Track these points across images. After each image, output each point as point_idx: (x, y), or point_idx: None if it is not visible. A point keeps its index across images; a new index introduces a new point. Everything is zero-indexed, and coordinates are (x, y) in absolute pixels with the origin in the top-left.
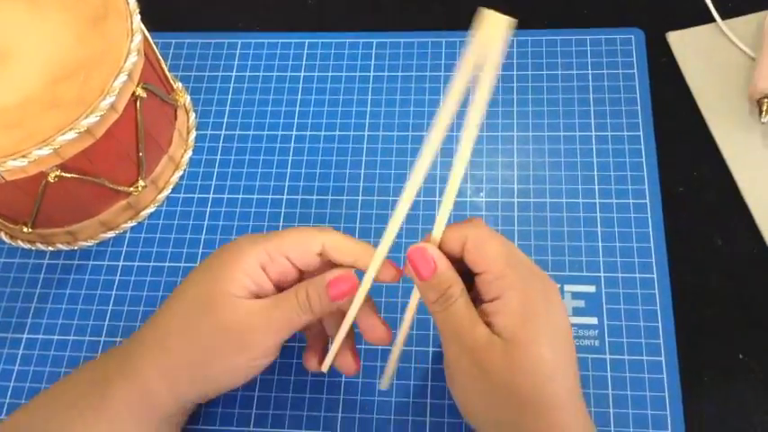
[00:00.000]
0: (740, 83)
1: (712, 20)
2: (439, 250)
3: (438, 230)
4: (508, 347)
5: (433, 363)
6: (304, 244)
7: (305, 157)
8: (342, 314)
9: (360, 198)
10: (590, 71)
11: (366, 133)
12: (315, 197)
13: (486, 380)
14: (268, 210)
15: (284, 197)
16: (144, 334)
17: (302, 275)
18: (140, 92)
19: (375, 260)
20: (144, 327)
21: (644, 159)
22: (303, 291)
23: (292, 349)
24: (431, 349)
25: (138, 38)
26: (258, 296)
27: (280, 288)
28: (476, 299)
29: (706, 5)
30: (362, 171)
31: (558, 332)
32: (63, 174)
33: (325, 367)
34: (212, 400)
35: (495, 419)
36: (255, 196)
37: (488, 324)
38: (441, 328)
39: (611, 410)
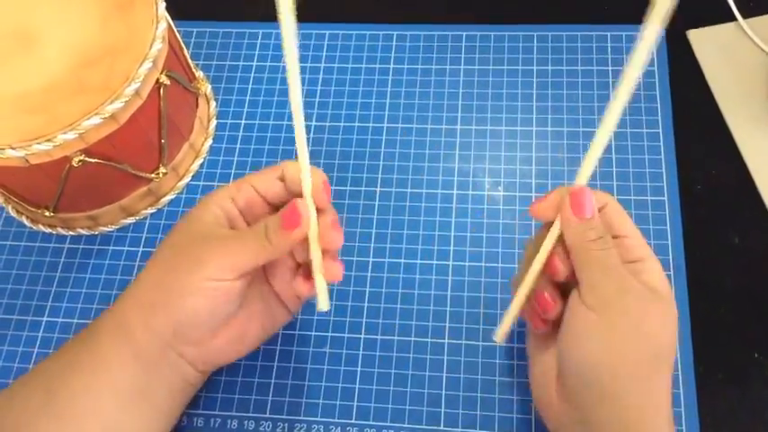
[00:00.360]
0: (760, 82)
1: (733, 18)
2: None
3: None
4: (660, 298)
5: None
6: (267, 172)
7: (324, 148)
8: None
9: (378, 189)
10: (610, 67)
11: (385, 125)
12: (333, 188)
13: (632, 324)
14: None
15: None
16: None
17: (273, 211)
18: (164, 79)
19: (302, 166)
20: None
21: (663, 156)
22: (264, 221)
23: (308, 337)
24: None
25: (162, 25)
26: (231, 226)
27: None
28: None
29: (727, 4)
30: (381, 163)
31: None
32: (87, 158)
33: (325, 306)
34: (219, 368)
35: (613, 365)
36: None
37: None
38: (593, 265)
39: None
